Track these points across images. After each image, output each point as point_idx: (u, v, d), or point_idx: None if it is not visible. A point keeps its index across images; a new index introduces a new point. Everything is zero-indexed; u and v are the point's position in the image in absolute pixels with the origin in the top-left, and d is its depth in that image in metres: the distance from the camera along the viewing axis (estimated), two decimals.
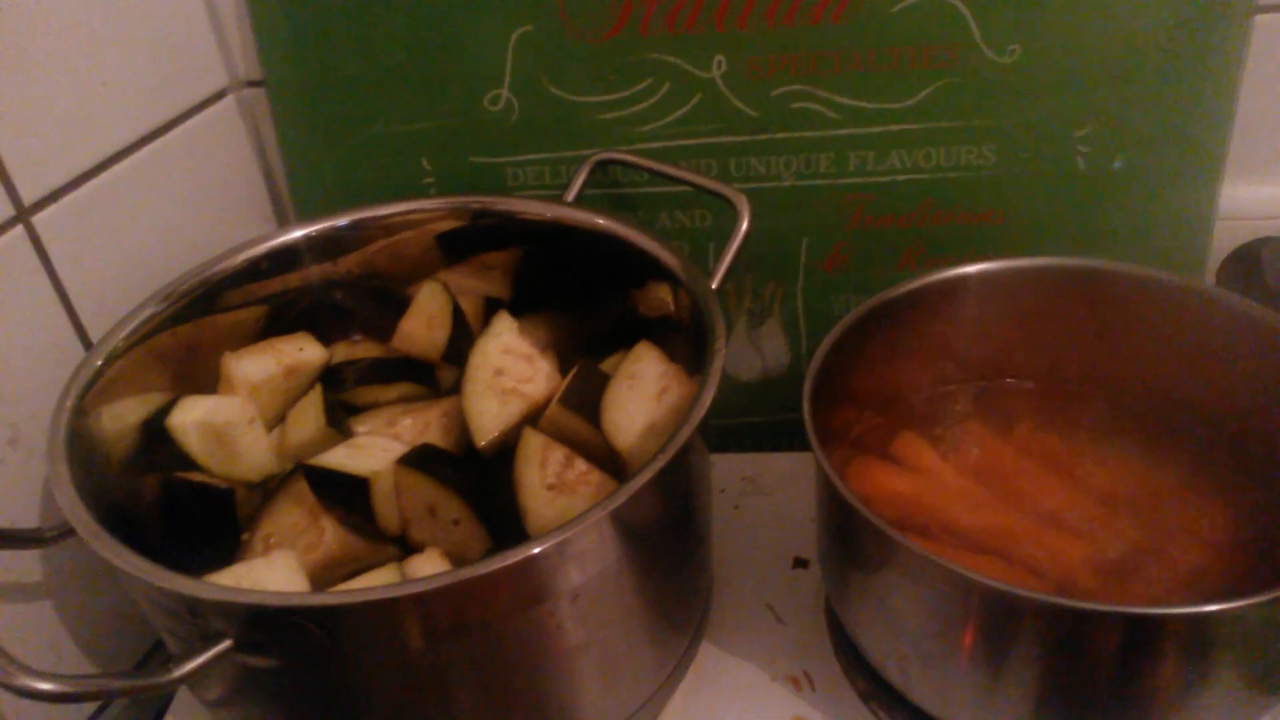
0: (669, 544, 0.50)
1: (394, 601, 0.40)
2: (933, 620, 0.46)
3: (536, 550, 0.41)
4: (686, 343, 0.56)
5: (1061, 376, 0.59)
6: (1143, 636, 0.41)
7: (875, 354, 0.57)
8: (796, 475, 0.67)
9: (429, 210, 0.62)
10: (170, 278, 0.57)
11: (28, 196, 0.53)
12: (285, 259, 0.60)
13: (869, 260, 0.68)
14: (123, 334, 0.52)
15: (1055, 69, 0.61)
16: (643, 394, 0.54)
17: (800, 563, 0.62)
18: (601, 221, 0.59)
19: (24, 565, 0.54)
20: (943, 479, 0.57)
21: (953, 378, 0.60)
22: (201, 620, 0.39)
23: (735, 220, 0.58)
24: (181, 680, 0.38)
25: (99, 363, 0.51)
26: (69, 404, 0.48)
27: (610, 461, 0.53)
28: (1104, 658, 0.42)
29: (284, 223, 0.71)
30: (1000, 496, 0.55)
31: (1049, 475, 0.55)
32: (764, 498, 0.67)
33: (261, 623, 0.38)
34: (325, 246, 0.61)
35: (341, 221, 0.61)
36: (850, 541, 0.49)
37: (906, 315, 0.57)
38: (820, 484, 0.50)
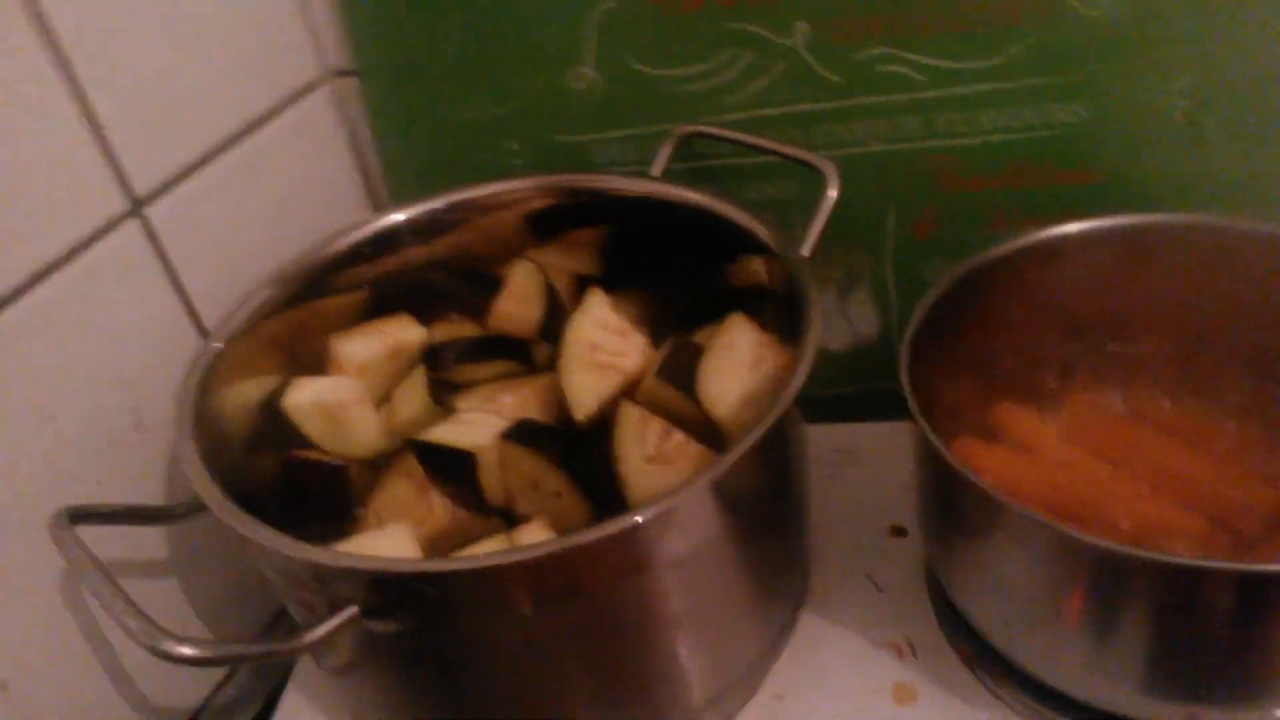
0: (768, 513, 0.51)
1: (507, 567, 0.41)
2: (1039, 584, 0.45)
3: (640, 519, 0.42)
4: (779, 313, 0.56)
5: (1170, 337, 0.57)
6: (1254, 594, 0.40)
7: (972, 318, 0.56)
8: (891, 444, 0.67)
9: (523, 189, 0.63)
10: (272, 265, 0.59)
11: (140, 190, 0.55)
12: (386, 242, 0.61)
13: (959, 225, 0.67)
14: (242, 316, 0.54)
15: (1146, 20, 0.59)
16: (738, 364, 0.54)
17: (898, 531, 0.62)
18: (692, 195, 0.59)
19: (149, 543, 0.56)
20: (1045, 448, 0.56)
21: (1052, 341, 0.59)
22: (329, 588, 0.41)
23: (821, 189, 0.57)
24: (311, 646, 0.40)
25: (220, 344, 0.53)
26: (194, 383, 0.50)
27: (707, 433, 0.54)
28: (1215, 617, 0.41)
29: (377, 209, 0.72)
30: (1110, 464, 0.54)
31: (1162, 440, 0.54)
32: (859, 468, 0.67)
33: (385, 589, 0.40)
34: (423, 229, 0.62)
35: (439, 204, 0.62)
36: (953, 506, 0.49)
37: (1004, 278, 0.56)
38: (920, 449, 0.50)
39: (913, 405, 0.48)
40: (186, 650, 0.37)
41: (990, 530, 0.46)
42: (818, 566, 0.59)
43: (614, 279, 0.63)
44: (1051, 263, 0.57)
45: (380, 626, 0.42)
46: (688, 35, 0.63)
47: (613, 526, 0.42)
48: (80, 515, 0.45)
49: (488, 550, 0.48)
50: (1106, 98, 0.62)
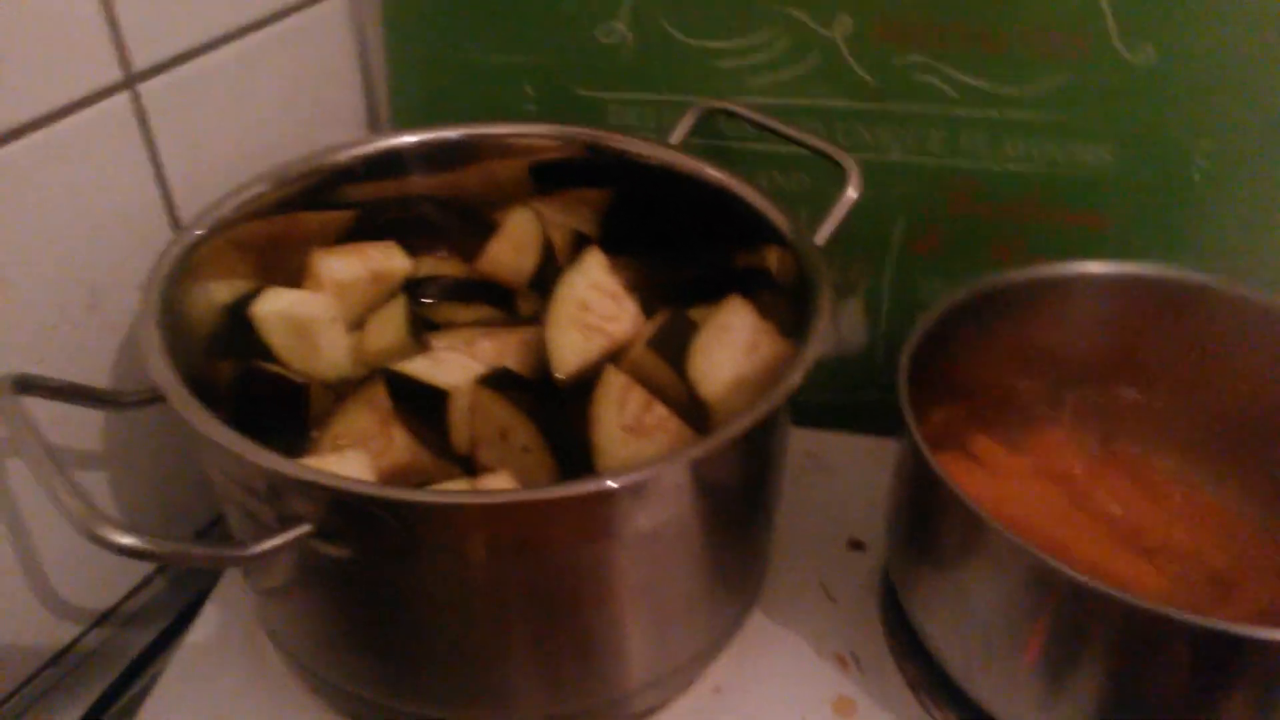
0: (739, 504, 0.49)
1: (473, 508, 0.40)
2: (1007, 610, 0.44)
3: (614, 484, 0.41)
4: (780, 304, 0.55)
5: (1159, 390, 0.57)
6: (1217, 653, 0.40)
7: (968, 343, 0.55)
8: (860, 457, 0.66)
9: (539, 135, 0.61)
10: (260, 169, 0.56)
11: (138, 64, 0.52)
12: (389, 164, 0.59)
13: (963, 248, 0.66)
14: (228, 208, 0.52)
15: (1186, 76, 0.59)
16: (733, 346, 0.53)
17: (856, 545, 0.61)
18: (711, 172, 0.58)
19: (84, 433, 0.54)
20: (1018, 480, 0.56)
21: (1043, 378, 0.58)
22: (284, 502, 0.38)
23: (839, 188, 0.56)
24: (256, 558, 0.37)
25: (201, 232, 0.50)
26: (166, 268, 0.47)
27: (688, 413, 0.52)
28: (1170, 671, 0.41)
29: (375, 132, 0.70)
30: (1079, 508, 0.54)
31: (1134, 492, 0.54)
32: (825, 476, 0.66)
33: (343, 511, 0.38)
34: (429, 157, 0.59)
35: (452, 133, 0.59)
36: (930, 520, 0.48)
37: (1006, 307, 0.55)
38: (906, 458, 0.49)
39: (907, 412, 0.47)
40: (126, 540, 0.35)
41: (966, 549, 0.45)
42: (773, 568, 0.58)
43: (612, 243, 0.61)
44: (1053, 300, 0.57)
45: (330, 550, 0.39)
46: (729, 7, 0.61)
47: (585, 487, 0.41)
48: (28, 384, 0.42)
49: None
50: (1131, 146, 0.61)
